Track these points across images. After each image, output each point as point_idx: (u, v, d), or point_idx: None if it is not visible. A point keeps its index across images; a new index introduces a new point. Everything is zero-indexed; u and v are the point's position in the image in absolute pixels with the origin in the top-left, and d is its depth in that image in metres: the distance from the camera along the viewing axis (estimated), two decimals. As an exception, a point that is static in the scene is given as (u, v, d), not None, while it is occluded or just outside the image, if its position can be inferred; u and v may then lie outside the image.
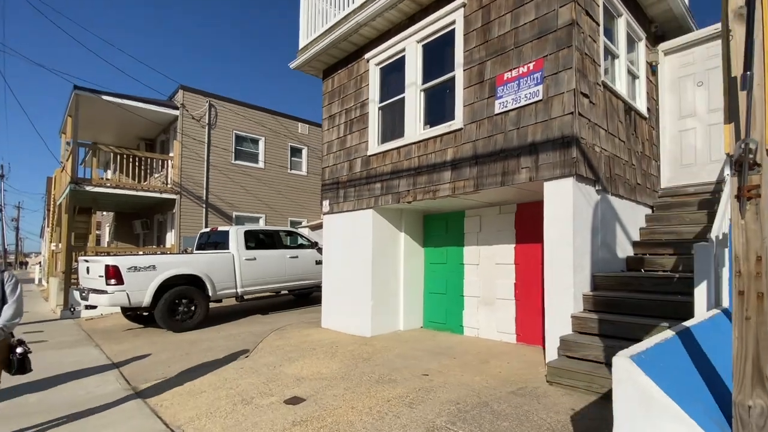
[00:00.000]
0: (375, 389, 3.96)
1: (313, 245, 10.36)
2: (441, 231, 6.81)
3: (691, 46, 5.60)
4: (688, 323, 2.13)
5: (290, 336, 6.75)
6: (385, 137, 6.62)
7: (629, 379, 1.50)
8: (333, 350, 5.63)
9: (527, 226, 5.58)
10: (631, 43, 5.52)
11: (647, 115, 5.63)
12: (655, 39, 5.99)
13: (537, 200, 5.47)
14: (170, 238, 14.33)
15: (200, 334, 7.11)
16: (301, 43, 7.78)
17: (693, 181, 5.57)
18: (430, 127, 5.85)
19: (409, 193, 5.92)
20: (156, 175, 15.11)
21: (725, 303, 2.67)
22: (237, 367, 5.03)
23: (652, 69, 5.78)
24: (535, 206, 5.51)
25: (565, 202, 4.13)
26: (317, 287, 10.17)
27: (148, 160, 14.67)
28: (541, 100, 4.38)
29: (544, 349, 5.07)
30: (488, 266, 6.00)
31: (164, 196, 13.36)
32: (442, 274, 6.70)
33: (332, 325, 7.18)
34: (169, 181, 13.66)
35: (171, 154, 14.10)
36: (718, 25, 5.29)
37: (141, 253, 13.24)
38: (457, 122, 5.28)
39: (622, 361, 1.54)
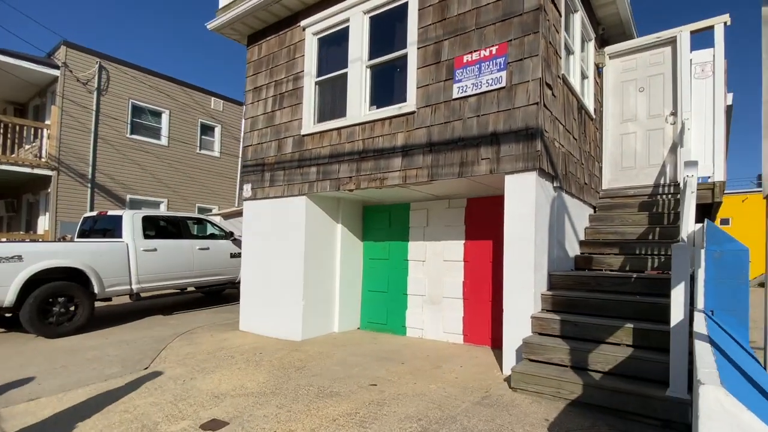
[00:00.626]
0: (316, 406, 3.41)
1: (228, 235, 9.30)
2: (383, 224, 6.40)
3: (635, 51, 5.90)
4: (700, 329, 1.94)
5: (201, 341, 5.82)
6: (323, 116, 6.00)
7: (724, 414, 1.19)
8: (257, 358, 4.91)
9: (477, 222, 5.42)
10: (583, 42, 5.63)
11: (594, 116, 5.81)
12: (601, 42, 6.22)
13: (488, 195, 5.33)
14: (43, 222, 11.95)
15: (83, 341, 5.82)
16: (222, 1, 6.76)
17: (632, 183, 5.88)
18: (378, 108, 5.39)
19: (351, 180, 5.40)
20: (27, 147, 12.48)
21: (700, 304, 2.61)
22: (134, 382, 4.10)
23: (599, 71, 6.00)
24: (485, 201, 5.37)
25: (527, 198, 3.96)
26: (233, 283, 9.17)
27: (17, 127, 12.01)
28: (503, 88, 4.17)
29: (494, 349, 4.95)
30: (436, 263, 5.74)
31: (37, 171, 11.06)
32: (384, 271, 6.30)
33: (253, 327, 6.38)
34: (43, 155, 11.32)
35: (47, 122, 11.70)
36: (660, 34, 5.62)
37: (3, 240, 10.80)
38: (410, 105, 4.88)
39: (713, 392, 1.21)
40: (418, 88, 4.85)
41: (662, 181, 5.81)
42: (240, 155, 7.14)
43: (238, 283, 9.13)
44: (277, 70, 6.51)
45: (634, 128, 6.06)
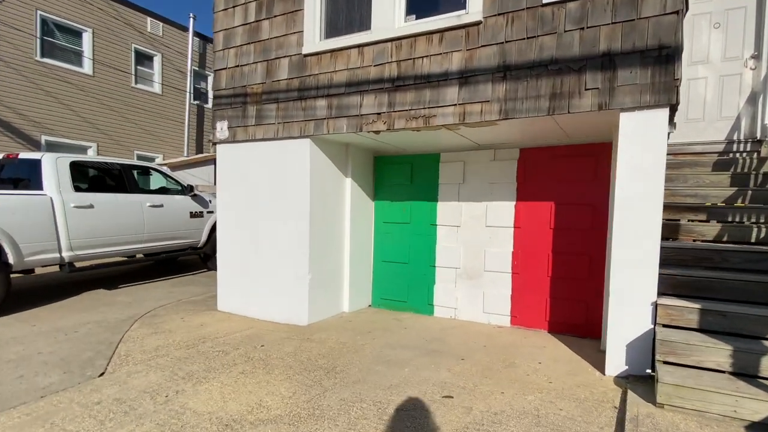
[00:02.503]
0: (384, 437, 2.44)
1: (186, 190, 7.79)
2: (402, 179, 5.30)
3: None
4: None
5: (171, 328, 4.60)
6: (334, 28, 4.65)
7: None
8: (261, 354, 3.82)
9: (534, 178, 4.49)
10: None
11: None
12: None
13: (549, 145, 4.37)
14: None
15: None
16: None
17: (698, 138, 5.19)
18: (418, 17, 4.14)
19: (380, 118, 4.21)
20: None
21: None
22: (87, 401, 2.90)
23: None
24: (546, 153, 4.43)
25: (654, 143, 3.06)
26: (194, 249, 7.77)
27: None
28: (627, -12, 3.10)
29: (554, 335, 4.19)
30: (475, 229, 4.79)
31: None
32: (404, 237, 5.28)
33: (237, 307, 5.20)
34: None
35: None
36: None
37: None
38: (472, 12, 3.71)
39: None
40: (486, -12, 3.65)
41: (736, 137, 5.16)
42: (211, 84, 5.57)
43: (201, 248, 7.78)
44: (262, -35, 4.96)
45: (705, 72, 5.29)
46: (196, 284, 7.01)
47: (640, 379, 3.07)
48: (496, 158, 4.67)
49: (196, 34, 13.77)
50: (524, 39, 3.49)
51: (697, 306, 2.89)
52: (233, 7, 5.21)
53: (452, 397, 2.94)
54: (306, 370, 3.45)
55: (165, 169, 7.97)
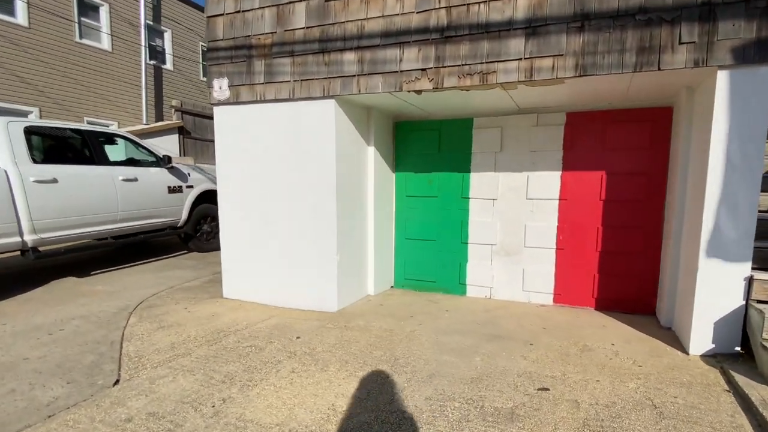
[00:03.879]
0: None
1: (163, 161, 6.95)
2: (429, 148, 4.88)
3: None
4: None
5: (177, 320, 4.05)
6: None
7: None
8: (302, 348, 3.39)
9: (582, 146, 4.22)
10: None
11: None
12: None
13: (603, 108, 4.10)
14: None
15: (-39, 338, 3.64)
16: None
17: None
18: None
19: (425, 75, 3.74)
20: None
21: None
22: (114, 416, 2.38)
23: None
24: (598, 117, 4.16)
25: (758, 106, 2.84)
26: (173, 229, 7.03)
27: None
28: (735, -75, 2.78)
29: (603, 312, 4.05)
30: (513, 202, 4.50)
31: None
32: (430, 211, 4.91)
33: (249, 294, 4.67)
34: None
35: None
36: None
37: None
38: (544, -47, 3.27)
39: None
40: None
41: None
42: (205, 32, 4.80)
43: (181, 227, 7.04)
44: None
45: None
46: (183, 268, 6.33)
47: (730, 358, 2.96)
48: (539, 123, 4.35)
49: (150, -17, 12.32)
50: (607, -16, 3.11)
51: (799, 280, 2.76)
52: (228, -64, 4.43)
53: (549, 390, 2.67)
54: (365, 364, 3.06)
55: (131, 135, 7.04)
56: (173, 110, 12.24)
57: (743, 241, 2.92)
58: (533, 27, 3.35)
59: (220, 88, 4.66)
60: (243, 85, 4.48)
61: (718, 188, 2.96)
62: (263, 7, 4.32)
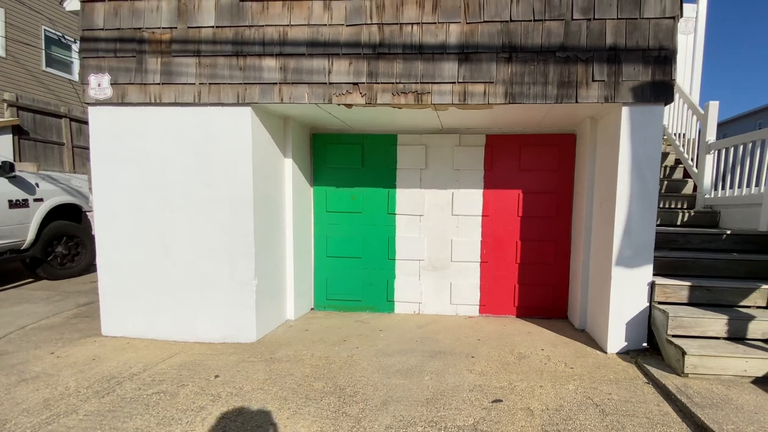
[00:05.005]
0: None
1: (2, 169, 5.71)
2: (351, 162, 4.84)
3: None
4: None
5: (45, 369, 3.35)
6: None
7: None
8: (227, 389, 3.05)
9: (501, 166, 4.62)
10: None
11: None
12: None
13: (518, 132, 4.57)
14: None
15: None
16: None
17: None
18: (403, -20, 3.76)
19: (357, 89, 3.73)
20: None
21: None
22: None
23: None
24: (513, 141, 4.61)
25: (652, 138, 3.45)
26: (16, 252, 5.78)
27: None
28: (630, -12, 3.38)
29: (523, 319, 4.48)
30: (440, 218, 4.71)
31: None
32: (354, 228, 4.85)
33: (140, 329, 4.06)
34: None
35: None
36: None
37: None
38: (475, -15, 3.54)
39: None
40: (489, -41, 3.53)
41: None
42: (79, 18, 4.09)
43: (26, 250, 5.82)
44: None
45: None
46: (34, 301, 5.21)
47: (641, 353, 3.48)
48: (461, 143, 4.64)
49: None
50: (531, 21, 3.50)
51: (688, 283, 3.40)
52: None
53: (502, 401, 2.82)
54: (309, 399, 2.86)
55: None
56: (5, 105, 10.04)
57: (646, 251, 3.49)
58: (465, 53, 3.57)
59: (99, 85, 4.01)
60: (131, 83, 3.92)
61: (625, 207, 3.49)
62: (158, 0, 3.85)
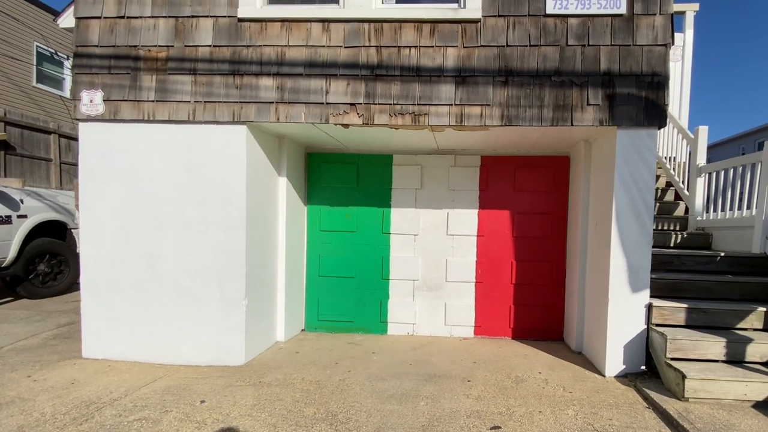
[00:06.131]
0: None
1: None
2: (346, 182, 4.84)
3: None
4: None
5: (21, 393, 3.24)
6: None
7: None
8: (213, 415, 2.96)
9: (495, 186, 4.66)
10: None
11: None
12: None
13: (512, 154, 4.62)
14: None
15: None
16: None
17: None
18: (399, 1, 3.85)
19: (354, 109, 3.75)
20: None
21: None
22: None
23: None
24: (507, 162, 4.67)
25: (646, 161, 3.50)
26: None
27: None
28: (621, 16, 3.50)
29: (520, 341, 4.44)
30: (435, 238, 4.70)
31: None
32: (348, 247, 4.81)
33: (123, 351, 3.95)
34: None
35: None
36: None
37: None
38: (470, 8, 3.65)
39: None
40: (485, -14, 3.61)
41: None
42: (74, 34, 4.08)
43: (6, 268, 5.69)
44: None
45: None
46: (12, 321, 5.07)
47: (639, 376, 3.45)
48: (456, 164, 4.68)
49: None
50: (527, 46, 3.59)
51: (684, 305, 3.41)
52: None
53: (500, 428, 2.76)
54: (299, 426, 2.77)
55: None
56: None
57: (642, 272, 3.49)
58: (462, 76, 3.63)
59: (92, 101, 3.98)
60: (125, 100, 3.90)
61: (620, 229, 3.52)
62: (157, 17, 3.90)
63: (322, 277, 4.85)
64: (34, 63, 11.73)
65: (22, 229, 5.97)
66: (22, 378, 3.43)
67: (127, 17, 3.91)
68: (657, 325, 3.43)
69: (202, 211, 3.85)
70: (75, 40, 3.99)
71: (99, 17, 3.93)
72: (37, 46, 11.84)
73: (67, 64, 12.57)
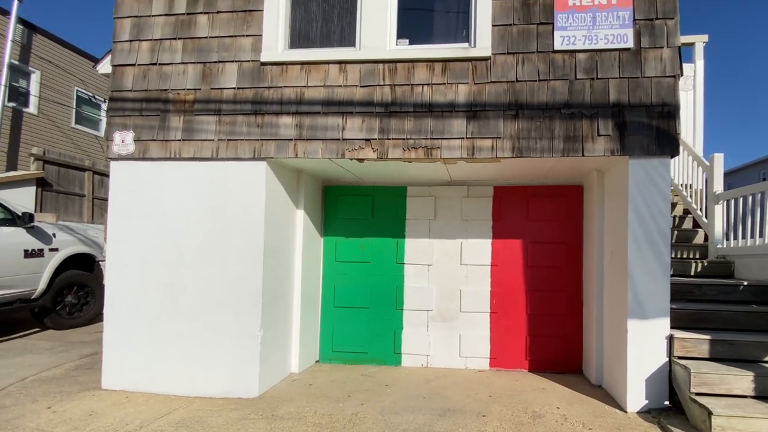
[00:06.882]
0: None
1: (22, 219, 5.83)
2: (361, 213, 4.88)
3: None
4: None
5: (39, 425, 3.27)
6: (302, 37, 4.20)
7: None
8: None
9: (508, 216, 4.63)
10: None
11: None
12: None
13: (525, 184, 4.60)
14: None
15: None
16: None
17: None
18: (411, 43, 3.97)
19: (369, 145, 3.82)
20: None
21: None
22: None
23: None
24: (520, 192, 4.65)
25: (660, 189, 3.44)
26: (27, 301, 5.76)
27: None
28: (629, 49, 3.52)
29: (536, 373, 4.28)
30: (448, 267, 4.65)
31: None
32: (363, 277, 4.80)
33: (140, 382, 3.95)
34: None
35: None
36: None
37: None
38: (480, 47, 3.73)
39: None
40: (493, 25, 3.71)
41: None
42: (110, 80, 4.31)
43: (36, 299, 5.80)
44: (201, -50, 4.16)
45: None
46: (38, 351, 5.13)
47: (663, 412, 3.27)
48: (469, 195, 4.68)
49: (22, 21, 10.81)
50: (536, 81, 3.63)
51: (708, 337, 3.26)
52: (149, -8, 4.19)
53: (521, 467, 2.61)
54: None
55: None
56: (32, 159, 10.43)
57: (661, 302, 3.37)
58: (474, 111, 3.68)
59: (123, 141, 4.15)
60: (154, 140, 4.06)
61: (636, 258, 3.43)
62: (186, 63, 4.10)
63: (337, 308, 4.83)
64: (74, 106, 12.38)
65: (53, 262, 6.13)
66: (43, 409, 3.45)
67: (159, 64, 4.13)
68: (679, 357, 3.28)
69: (222, 244, 3.91)
70: (111, 86, 4.22)
71: (134, 64, 4.16)
72: (77, 90, 12.52)
73: (104, 106, 13.22)
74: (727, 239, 4.76)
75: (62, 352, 5.10)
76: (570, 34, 3.59)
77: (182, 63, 4.11)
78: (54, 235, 6.25)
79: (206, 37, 4.09)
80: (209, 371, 3.82)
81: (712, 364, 3.18)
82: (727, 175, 22.19)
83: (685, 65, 5.78)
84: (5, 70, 10.02)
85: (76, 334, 6.04)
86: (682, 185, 5.82)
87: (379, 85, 3.84)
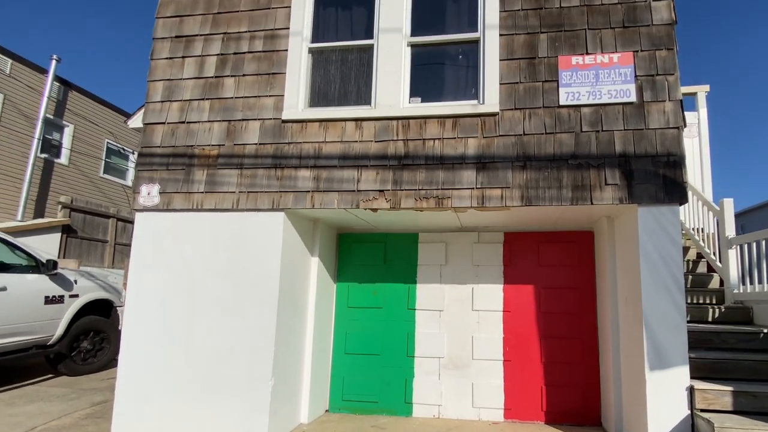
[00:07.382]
0: None
1: (45, 267, 5.93)
2: (373, 259, 4.93)
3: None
4: None
5: None
6: (322, 97, 4.42)
7: None
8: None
9: (520, 262, 4.63)
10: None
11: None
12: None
13: (535, 230, 4.63)
14: None
15: None
16: None
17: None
18: (423, 101, 4.16)
19: (383, 195, 3.93)
20: None
21: None
22: None
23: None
24: (530, 238, 4.66)
25: (671, 236, 3.45)
26: (44, 347, 5.77)
27: None
28: (632, 103, 3.65)
29: (552, 426, 4.08)
30: (460, 313, 4.61)
31: None
32: (375, 323, 4.78)
33: (146, 429, 3.85)
34: None
35: None
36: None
37: None
38: (489, 103, 3.90)
39: None
40: (501, 84, 3.89)
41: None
42: (140, 137, 4.57)
43: (52, 345, 5.80)
44: (229, 19, 4.51)
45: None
46: (49, 399, 5.08)
47: (688, 471, 3.10)
48: (480, 240, 4.72)
49: (59, 79, 11.56)
50: (543, 134, 3.75)
51: (730, 388, 3.15)
52: (183, 57, 4.54)
53: None
54: None
55: (7, 236, 5.96)
56: (59, 207, 10.81)
57: (681, 351, 3.28)
58: (483, 162, 3.80)
59: (149, 193, 4.33)
60: (178, 192, 4.24)
61: (651, 307, 3.38)
62: (212, 121, 4.34)
63: (348, 355, 4.76)
64: (104, 157, 12.94)
65: (72, 308, 6.16)
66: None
67: (187, 122, 4.37)
68: (702, 410, 3.15)
69: (237, 293, 3.97)
70: (141, 142, 4.46)
71: (163, 123, 4.41)
72: (107, 142, 13.13)
73: (132, 157, 13.78)
74: (743, 284, 4.68)
75: (73, 400, 5.05)
76: (574, 90, 3.74)
77: (209, 121, 4.34)
78: (75, 281, 6.34)
79: (232, 98, 4.34)
80: (219, 421, 3.77)
81: (736, 417, 3.05)
82: (739, 216, 21.85)
83: (688, 113, 5.92)
84: (40, 124, 10.60)
85: (89, 381, 5.99)
86: (694, 229, 5.79)
87: (392, 140, 4.01)
